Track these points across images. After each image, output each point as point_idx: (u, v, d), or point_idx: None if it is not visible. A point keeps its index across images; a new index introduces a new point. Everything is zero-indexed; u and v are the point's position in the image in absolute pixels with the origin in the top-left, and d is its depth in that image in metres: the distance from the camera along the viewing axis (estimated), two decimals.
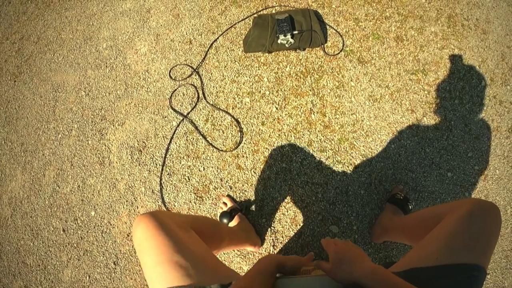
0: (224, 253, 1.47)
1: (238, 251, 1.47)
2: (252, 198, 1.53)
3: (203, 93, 1.74)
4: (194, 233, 0.90)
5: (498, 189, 1.52)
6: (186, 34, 1.90)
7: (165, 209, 1.54)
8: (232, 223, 1.41)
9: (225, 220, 1.41)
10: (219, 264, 0.88)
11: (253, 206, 1.52)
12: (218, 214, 1.47)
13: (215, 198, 1.55)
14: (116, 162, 1.66)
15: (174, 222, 0.85)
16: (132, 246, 1.52)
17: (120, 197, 1.60)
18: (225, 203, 1.50)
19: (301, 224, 1.49)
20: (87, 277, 1.50)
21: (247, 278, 0.78)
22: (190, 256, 0.78)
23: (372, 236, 1.44)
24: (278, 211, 1.51)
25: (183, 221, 0.90)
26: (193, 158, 1.62)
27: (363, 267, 0.74)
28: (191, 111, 1.71)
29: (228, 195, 1.54)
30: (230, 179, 1.57)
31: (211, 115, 1.69)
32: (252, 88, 1.73)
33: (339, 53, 1.77)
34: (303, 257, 1.01)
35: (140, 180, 1.61)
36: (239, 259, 1.47)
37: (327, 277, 0.85)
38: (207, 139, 1.65)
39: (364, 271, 0.73)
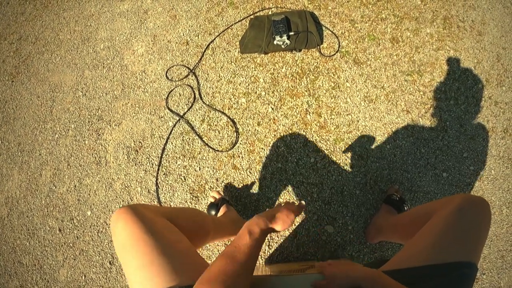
0: (217, 246, 1.47)
1: (226, 244, 1.47)
2: (248, 198, 1.54)
3: (200, 94, 1.75)
4: (174, 227, 0.85)
5: (493, 189, 1.52)
6: (183, 35, 1.91)
7: (159, 205, 1.54)
8: (219, 214, 1.40)
9: (212, 212, 1.40)
10: (202, 261, 0.84)
11: (248, 205, 1.52)
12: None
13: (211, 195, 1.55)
14: (113, 162, 1.66)
15: (155, 216, 0.81)
16: None
17: (116, 196, 1.60)
18: (213, 197, 1.49)
19: (296, 224, 1.49)
20: (83, 277, 1.50)
21: (232, 246, 0.75)
22: (173, 256, 0.75)
23: (367, 236, 1.44)
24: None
25: (163, 213, 0.87)
26: (189, 158, 1.63)
27: (360, 270, 0.74)
28: (187, 111, 1.71)
29: (215, 190, 1.54)
30: (226, 179, 1.58)
31: (207, 116, 1.70)
32: (248, 88, 1.74)
33: (335, 54, 1.78)
34: (290, 206, 0.97)
35: (136, 180, 1.61)
36: None
37: (322, 275, 0.86)
38: (203, 139, 1.65)
39: (364, 274, 0.73)
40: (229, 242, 1.44)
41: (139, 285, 0.71)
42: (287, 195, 1.53)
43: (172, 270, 0.72)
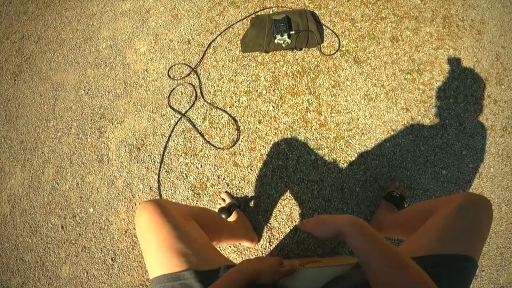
0: (220, 249, 1.48)
1: (234, 247, 1.48)
2: (249, 195, 1.55)
3: (201, 92, 1.76)
4: (195, 223, 0.91)
5: (492, 187, 1.53)
6: (185, 34, 1.92)
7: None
8: (230, 219, 1.42)
9: (223, 216, 1.41)
10: (218, 253, 0.89)
11: (252, 202, 1.54)
12: (217, 210, 1.49)
13: (212, 195, 1.56)
14: (115, 160, 1.67)
15: (176, 211, 0.86)
16: (130, 242, 1.53)
17: (119, 194, 1.61)
18: (223, 199, 1.51)
19: (297, 221, 1.50)
20: (85, 274, 1.52)
21: None
22: (191, 244, 0.80)
23: None
24: (274, 208, 1.53)
25: (185, 210, 0.92)
26: (191, 155, 1.64)
27: (344, 217, 0.77)
28: (189, 109, 1.73)
29: (226, 192, 1.55)
30: (227, 176, 1.59)
31: (209, 114, 1.71)
32: (249, 87, 1.75)
33: (335, 53, 1.79)
34: (284, 264, 0.91)
35: (139, 178, 1.63)
36: (235, 255, 1.48)
37: (323, 269, 0.87)
38: (205, 137, 1.66)
39: (346, 220, 0.75)
40: (236, 246, 1.47)
41: (157, 267, 0.76)
42: (288, 193, 1.54)
43: (190, 255, 0.77)
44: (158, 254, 0.77)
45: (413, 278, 0.64)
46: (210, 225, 1.04)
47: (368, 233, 0.71)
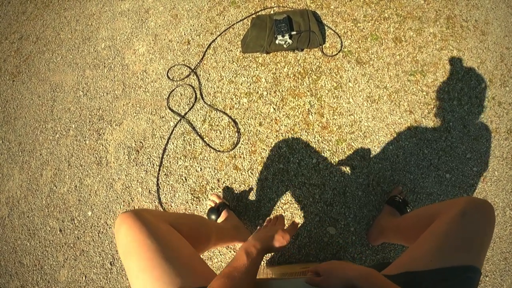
0: (220, 254, 1.47)
1: (234, 250, 1.47)
2: (249, 198, 1.53)
3: (201, 94, 1.74)
4: (177, 233, 0.87)
5: (496, 190, 1.51)
6: (184, 34, 1.90)
7: (161, 210, 1.54)
8: (220, 219, 1.40)
9: (213, 217, 1.39)
10: (204, 267, 0.86)
11: (250, 206, 1.52)
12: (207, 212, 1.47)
13: (212, 199, 1.54)
14: (113, 162, 1.65)
15: (158, 221, 0.83)
16: None
17: (117, 197, 1.59)
18: (213, 201, 1.49)
19: (298, 226, 1.48)
20: (84, 277, 1.50)
21: (229, 268, 0.75)
22: (175, 260, 0.76)
23: (369, 238, 1.43)
24: (275, 212, 1.51)
25: (167, 219, 0.88)
26: (190, 158, 1.62)
27: (355, 269, 0.73)
28: (188, 111, 1.71)
29: (215, 193, 1.53)
30: (227, 179, 1.57)
31: (209, 116, 1.69)
32: (250, 88, 1.73)
33: (337, 54, 1.77)
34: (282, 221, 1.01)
35: (137, 180, 1.61)
36: None
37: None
38: (205, 139, 1.64)
39: (358, 273, 0.72)
40: (230, 247, 1.45)
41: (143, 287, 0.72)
42: (289, 197, 1.52)
43: (174, 274, 0.73)
44: (142, 275, 0.73)
45: None
46: (194, 231, 1.00)
47: (381, 286, 0.69)
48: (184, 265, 0.77)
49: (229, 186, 1.55)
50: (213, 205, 1.47)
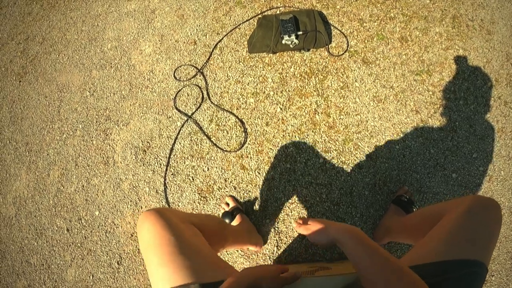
0: (227, 254, 1.47)
1: (242, 251, 1.47)
2: (256, 198, 1.53)
3: (208, 94, 1.74)
4: (198, 231, 0.90)
5: (503, 190, 1.51)
6: (191, 34, 1.90)
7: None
8: (234, 223, 1.41)
9: (227, 220, 1.41)
10: (222, 263, 0.88)
11: (257, 206, 1.52)
12: (221, 214, 1.48)
13: (219, 199, 1.55)
14: (121, 162, 1.66)
15: (179, 220, 0.85)
16: (136, 246, 1.52)
17: (124, 197, 1.60)
18: (227, 204, 1.50)
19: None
20: (91, 277, 1.51)
21: None
22: (194, 256, 0.78)
23: (375, 237, 1.44)
24: (282, 211, 1.51)
25: (188, 218, 0.90)
26: (197, 158, 1.62)
27: (341, 226, 0.79)
28: (195, 111, 1.71)
29: (231, 196, 1.54)
30: (234, 179, 1.57)
31: (216, 116, 1.70)
32: (256, 88, 1.73)
33: (343, 53, 1.77)
34: (285, 273, 0.86)
35: (144, 180, 1.61)
36: (242, 259, 1.46)
37: (333, 278, 0.85)
38: (212, 139, 1.65)
39: (343, 228, 0.77)
40: (243, 250, 1.45)
41: (160, 281, 0.75)
42: (296, 196, 1.53)
43: (192, 269, 0.75)
44: (162, 268, 0.75)
45: (408, 283, 0.65)
46: (213, 232, 1.03)
47: (361, 239, 0.73)
48: (203, 261, 0.80)
49: (236, 186, 1.56)
50: (227, 208, 1.48)
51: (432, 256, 0.76)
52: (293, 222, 0.89)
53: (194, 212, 1.54)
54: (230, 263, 1.45)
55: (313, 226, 0.87)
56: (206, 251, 0.85)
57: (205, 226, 0.95)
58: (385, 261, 0.69)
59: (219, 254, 1.46)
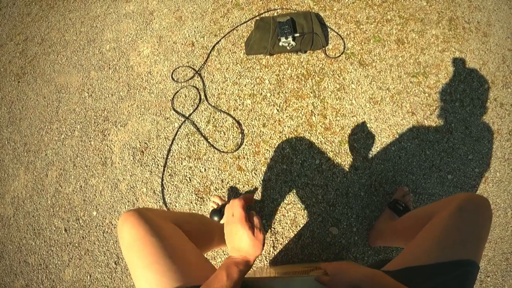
0: (223, 253, 1.48)
1: None
2: (252, 199, 1.54)
3: (205, 95, 1.75)
4: (180, 231, 0.86)
5: (498, 191, 1.52)
6: (189, 36, 1.91)
7: (166, 210, 1.55)
8: (223, 221, 1.39)
9: (215, 218, 1.40)
10: (207, 264, 0.85)
11: (253, 207, 1.53)
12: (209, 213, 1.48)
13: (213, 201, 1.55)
14: (118, 163, 1.67)
15: (161, 219, 0.83)
16: None
17: (122, 197, 1.61)
18: (215, 202, 1.50)
19: (301, 226, 1.49)
20: (88, 277, 1.51)
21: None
22: (178, 258, 0.76)
23: (369, 240, 1.44)
24: (278, 212, 1.52)
25: (170, 218, 0.88)
26: (195, 159, 1.63)
27: (360, 271, 0.74)
28: (193, 112, 1.72)
29: (217, 195, 1.54)
30: (231, 180, 1.58)
31: (213, 117, 1.71)
32: (253, 90, 1.74)
33: (340, 55, 1.78)
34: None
35: (142, 181, 1.62)
36: None
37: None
38: (209, 140, 1.66)
39: (363, 275, 0.73)
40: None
41: (146, 284, 0.71)
42: (292, 197, 1.53)
43: (178, 271, 0.72)
44: (145, 272, 0.72)
45: None
46: (197, 230, 1.00)
47: (386, 286, 0.70)
48: (187, 263, 0.77)
49: (233, 186, 1.57)
50: (215, 206, 1.48)
51: (425, 257, 0.76)
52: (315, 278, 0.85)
53: (187, 212, 1.54)
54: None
55: (336, 279, 0.78)
56: (190, 252, 0.82)
57: (187, 224, 0.93)
58: None
59: (210, 252, 1.47)
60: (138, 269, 0.73)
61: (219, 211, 1.42)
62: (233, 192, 1.56)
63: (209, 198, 1.56)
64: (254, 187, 1.56)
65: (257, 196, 1.55)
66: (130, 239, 0.76)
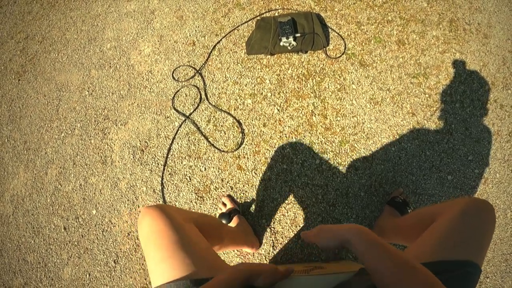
0: (224, 254, 1.48)
1: (238, 251, 1.48)
2: (253, 199, 1.54)
3: (206, 94, 1.75)
4: (196, 229, 0.90)
5: (498, 192, 1.52)
6: (190, 35, 1.91)
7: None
8: (231, 224, 1.42)
9: (223, 221, 1.41)
10: (219, 259, 0.89)
11: (253, 206, 1.53)
12: (217, 215, 1.48)
13: (216, 199, 1.55)
14: (118, 162, 1.67)
15: (179, 216, 0.86)
16: (133, 245, 1.53)
17: (122, 196, 1.61)
18: (224, 204, 1.51)
19: (301, 225, 1.49)
20: (87, 275, 1.51)
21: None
22: (193, 251, 0.79)
23: None
24: (278, 212, 1.52)
25: (187, 215, 0.91)
26: (195, 158, 1.63)
27: (345, 227, 0.75)
28: (193, 111, 1.72)
29: (228, 195, 1.55)
30: (231, 179, 1.58)
31: (213, 116, 1.71)
32: (254, 89, 1.74)
33: (341, 56, 1.78)
34: (280, 269, 0.80)
35: (142, 180, 1.62)
36: (238, 259, 1.47)
37: (326, 276, 0.86)
38: (209, 139, 1.66)
39: (349, 229, 0.73)
40: (240, 252, 1.46)
41: (160, 276, 0.75)
42: (292, 197, 1.53)
43: (192, 264, 0.76)
44: (161, 264, 0.76)
45: (423, 280, 0.62)
46: (211, 231, 1.03)
47: (373, 239, 0.70)
48: (202, 257, 0.80)
49: (233, 186, 1.57)
50: (224, 209, 1.48)
51: (427, 256, 0.77)
52: (301, 234, 0.86)
53: (202, 212, 1.55)
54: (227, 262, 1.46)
55: (322, 232, 0.81)
56: (205, 247, 0.86)
57: (203, 224, 0.96)
58: (397, 257, 0.66)
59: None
60: (154, 261, 0.77)
61: (228, 215, 1.42)
62: (233, 193, 1.56)
63: (209, 197, 1.56)
64: (253, 186, 1.56)
65: (257, 195, 1.55)
66: (150, 232, 0.80)
